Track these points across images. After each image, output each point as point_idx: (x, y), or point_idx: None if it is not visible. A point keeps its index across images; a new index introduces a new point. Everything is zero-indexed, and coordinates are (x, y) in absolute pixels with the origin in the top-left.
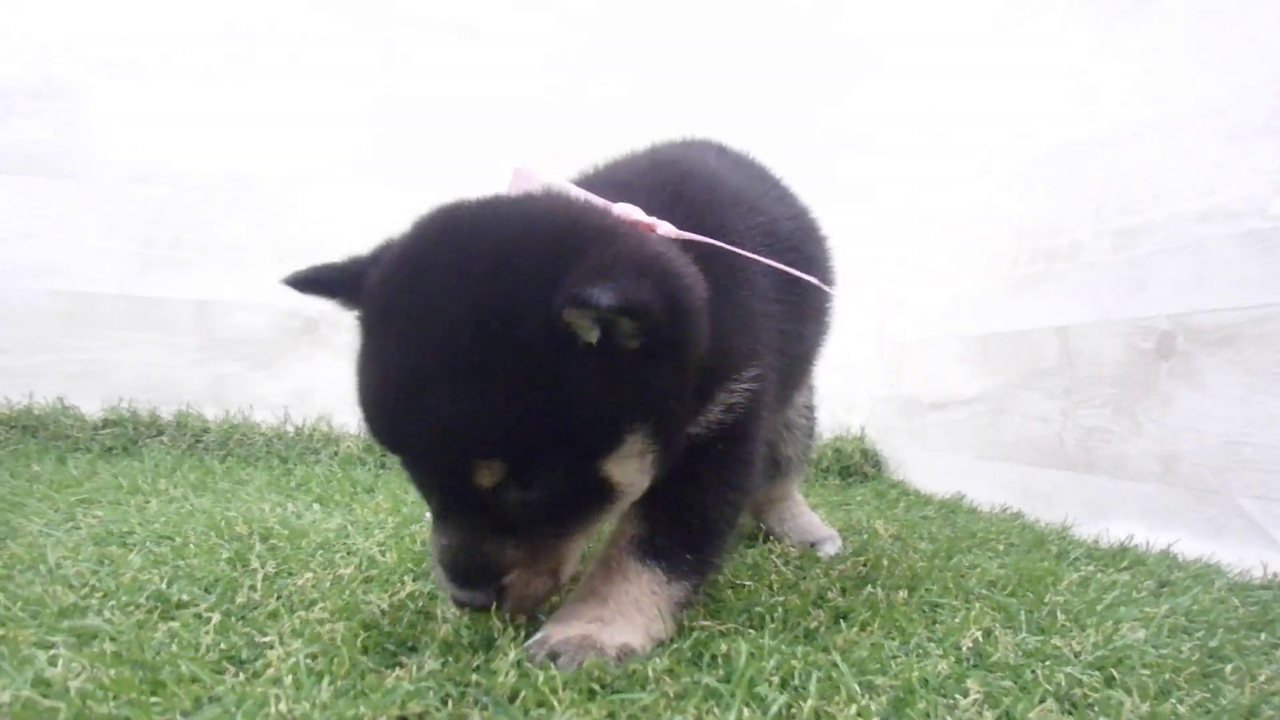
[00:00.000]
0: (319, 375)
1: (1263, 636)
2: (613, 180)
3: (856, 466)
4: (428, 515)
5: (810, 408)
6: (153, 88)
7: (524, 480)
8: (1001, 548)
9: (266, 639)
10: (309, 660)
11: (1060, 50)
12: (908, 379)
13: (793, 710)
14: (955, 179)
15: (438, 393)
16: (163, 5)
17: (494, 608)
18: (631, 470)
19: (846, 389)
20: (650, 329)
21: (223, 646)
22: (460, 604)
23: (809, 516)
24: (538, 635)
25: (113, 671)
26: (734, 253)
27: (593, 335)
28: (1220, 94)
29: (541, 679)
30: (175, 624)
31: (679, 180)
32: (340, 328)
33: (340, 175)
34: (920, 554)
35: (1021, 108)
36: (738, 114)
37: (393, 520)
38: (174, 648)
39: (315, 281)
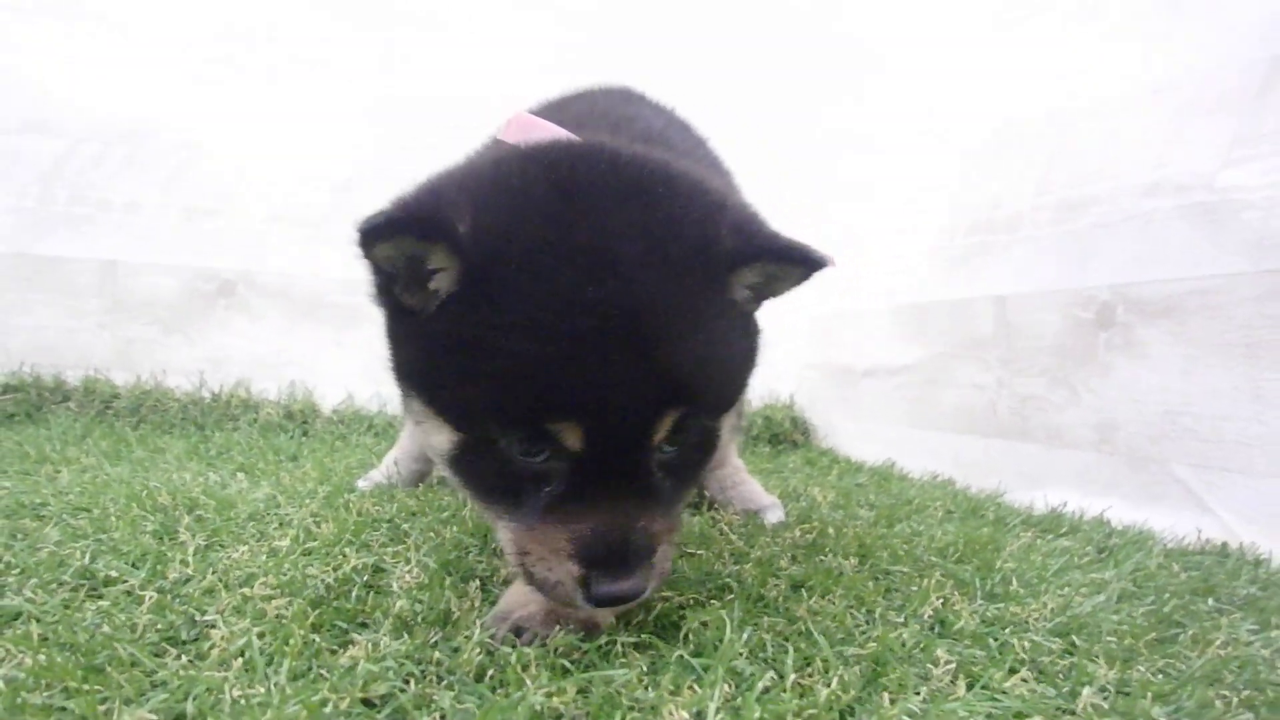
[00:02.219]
0: (236, 340)
1: (1209, 602)
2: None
3: (786, 434)
4: (361, 484)
5: None
6: (43, 28)
7: (679, 435)
8: (940, 515)
9: (207, 618)
10: (258, 640)
11: (1033, 21)
12: (840, 348)
13: (770, 684)
14: (894, 151)
15: (649, 334)
16: None
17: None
18: (728, 427)
19: (776, 357)
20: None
21: (160, 626)
22: (613, 600)
23: (751, 484)
24: (496, 610)
25: (42, 656)
26: None
27: (744, 293)
28: (1173, 72)
29: (513, 656)
30: (105, 603)
31: (659, 143)
32: (260, 290)
33: (253, 133)
34: (862, 521)
35: (973, 85)
36: (738, 114)
37: (323, 489)
38: (107, 629)
39: (402, 225)
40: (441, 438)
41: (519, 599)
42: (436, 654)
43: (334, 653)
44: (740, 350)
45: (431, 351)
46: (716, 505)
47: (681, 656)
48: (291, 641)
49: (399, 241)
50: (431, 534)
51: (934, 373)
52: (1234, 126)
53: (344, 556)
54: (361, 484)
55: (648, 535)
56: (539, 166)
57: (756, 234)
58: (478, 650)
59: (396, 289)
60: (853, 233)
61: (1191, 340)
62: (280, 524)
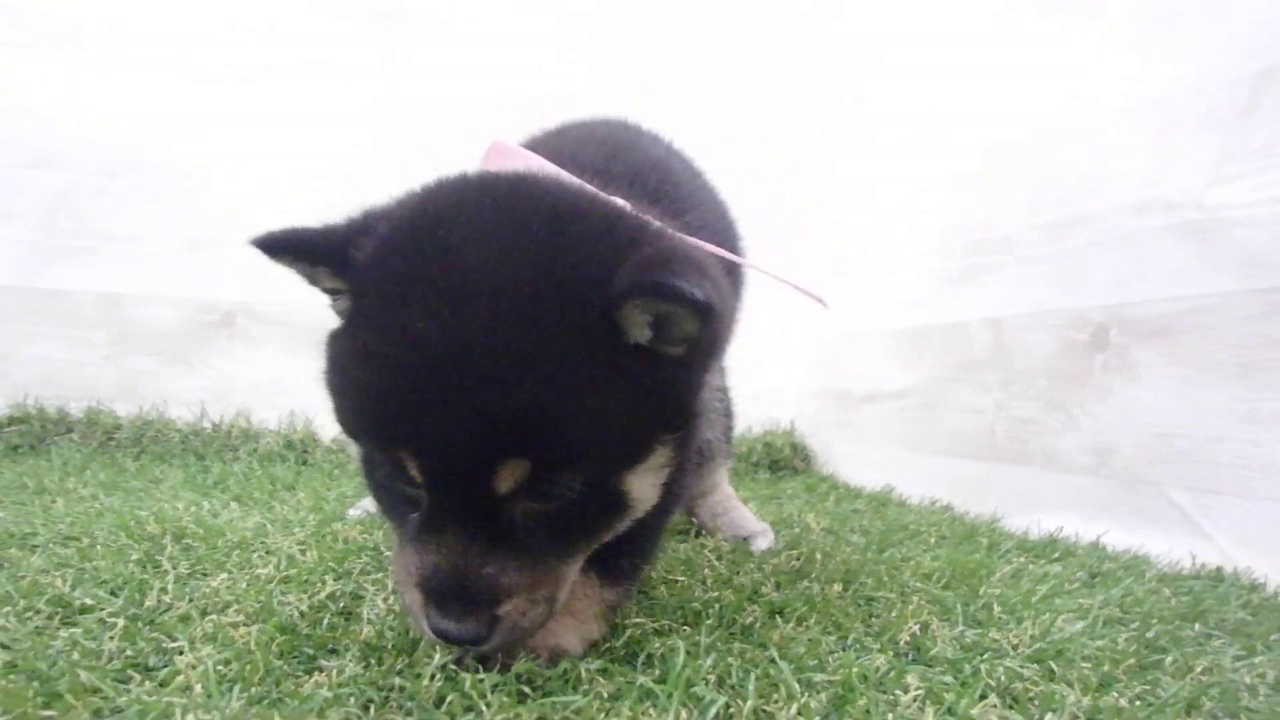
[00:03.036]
0: (237, 370)
1: (1196, 627)
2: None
3: (786, 460)
4: (352, 512)
5: (724, 389)
6: (45, 61)
7: (543, 486)
8: (933, 540)
9: (175, 644)
10: (220, 667)
11: (1033, 20)
12: (838, 372)
13: (731, 710)
14: (889, 178)
15: (481, 375)
16: None
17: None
18: (648, 484)
19: (776, 383)
20: (699, 331)
21: (129, 653)
22: (445, 637)
23: (741, 511)
24: None
25: (4, 681)
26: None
27: (645, 334)
28: (1159, 89)
29: (469, 682)
30: (76, 630)
31: (657, 171)
32: (260, 320)
33: (260, 166)
34: (853, 547)
35: (966, 99)
36: (738, 114)
37: (314, 518)
38: (74, 655)
39: (292, 245)
40: (353, 450)
41: None
42: (398, 680)
43: (298, 679)
44: (640, 398)
45: (328, 364)
46: (705, 532)
47: (644, 683)
48: (250, 668)
49: (284, 259)
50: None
51: (932, 396)
52: (1222, 143)
53: (322, 584)
54: (352, 513)
55: (491, 584)
56: (436, 198)
57: (646, 271)
58: (438, 677)
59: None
60: (849, 253)
61: (1185, 361)
62: (266, 552)
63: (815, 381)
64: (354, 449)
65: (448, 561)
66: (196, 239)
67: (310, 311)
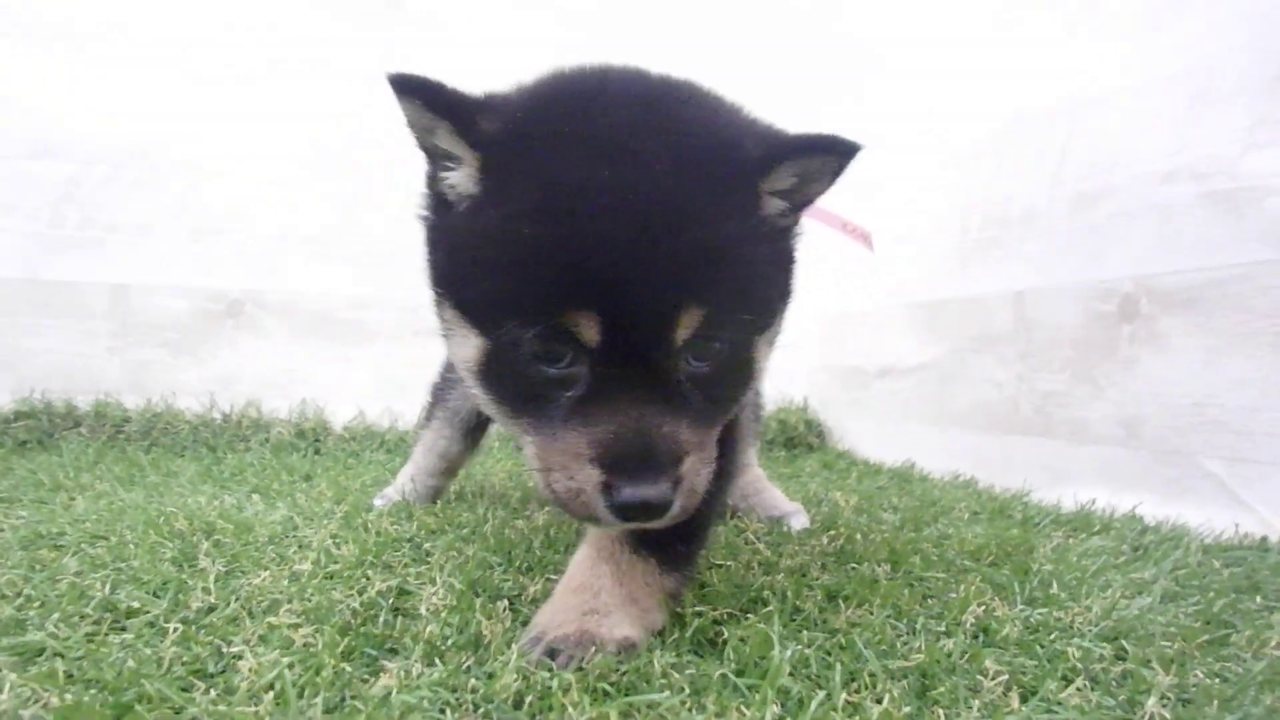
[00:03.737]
0: (245, 359)
1: (1257, 599)
2: None
3: (801, 438)
4: (377, 503)
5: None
6: (50, 54)
7: (702, 345)
8: (966, 516)
9: (234, 649)
10: (289, 672)
11: (1033, 19)
12: (852, 349)
13: (819, 703)
14: (902, 148)
15: (666, 224)
16: None
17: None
18: (763, 358)
19: (787, 360)
20: (831, 184)
21: (185, 659)
22: (634, 507)
23: (772, 491)
24: (529, 632)
25: (69, 694)
26: None
27: (775, 205)
28: (1188, 58)
29: (553, 682)
30: (129, 635)
31: None
32: (268, 308)
33: (262, 163)
34: (888, 525)
35: (989, 77)
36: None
37: (341, 509)
38: (131, 663)
39: (426, 91)
40: (468, 347)
41: (552, 620)
42: (471, 681)
43: (365, 682)
44: (771, 267)
45: (456, 251)
46: (739, 514)
47: (724, 675)
48: (323, 672)
49: (409, 102)
50: (454, 552)
51: (950, 370)
52: (1253, 110)
53: (368, 579)
54: (378, 502)
55: (673, 441)
56: (570, 78)
57: (781, 136)
58: (514, 676)
59: (434, 177)
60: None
61: (1215, 331)
62: (300, 546)
63: (826, 358)
64: (470, 345)
65: (631, 424)
66: (202, 229)
67: (318, 298)
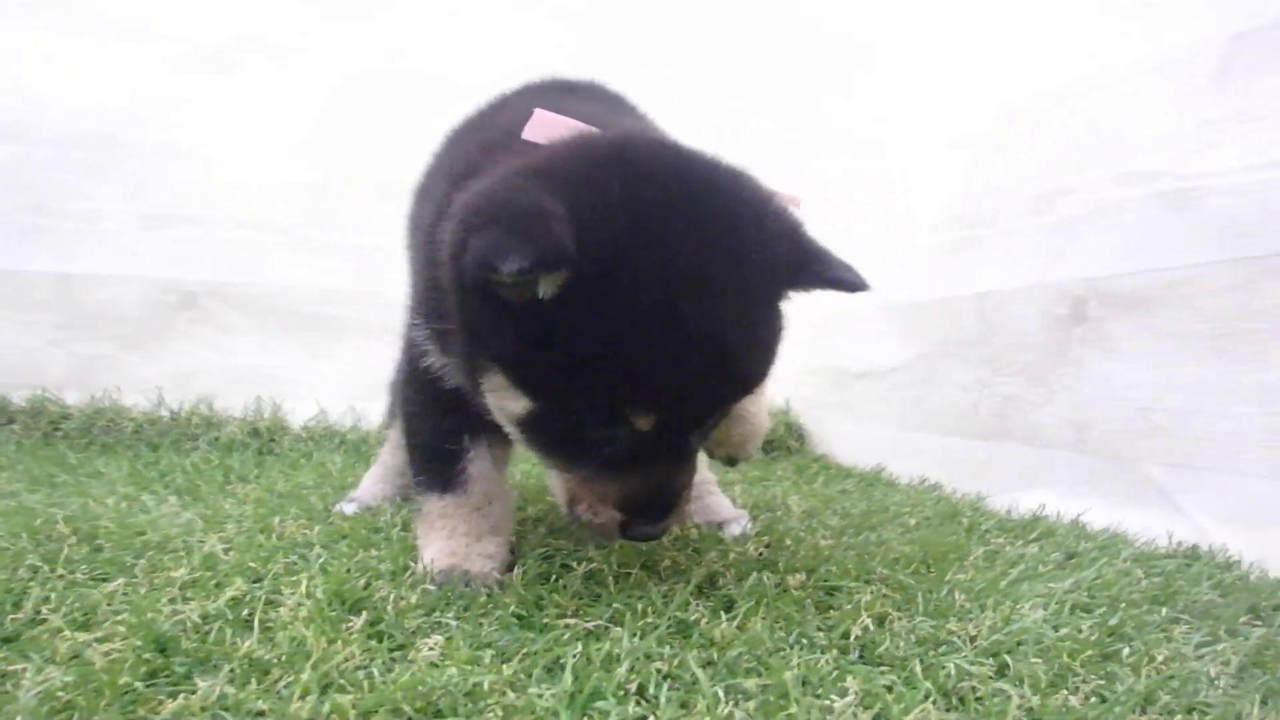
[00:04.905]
0: (201, 354)
1: (1164, 611)
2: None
3: (780, 441)
4: (347, 508)
5: None
6: None
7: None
8: (913, 522)
9: (19, 667)
10: (61, 693)
11: (998, 24)
12: (833, 350)
13: None
14: (878, 150)
15: (729, 354)
16: None
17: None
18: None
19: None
20: None
21: None
22: (651, 538)
23: (717, 497)
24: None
25: None
26: None
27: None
28: (1135, 58)
29: (350, 707)
30: None
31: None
32: (227, 302)
33: (227, 147)
34: (829, 531)
35: (950, 78)
36: (736, 113)
37: (258, 511)
38: None
39: (542, 262)
40: (518, 405)
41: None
42: (263, 704)
43: (159, 703)
44: (777, 346)
45: (524, 336)
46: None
47: (545, 703)
48: (107, 693)
49: (519, 278)
50: (344, 559)
51: (924, 373)
52: (1199, 109)
53: (228, 589)
54: (347, 508)
55: (680, 489)
56: (630, 178)
57: (810, 256)
58: (312, 697)
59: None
60: (841, 230)
61: (1164, 333)
62: (186, 552)
63: (812, 359)
64: (520, 404)
65: (653, 482)
66: (157, 217)
67: (282, 292)
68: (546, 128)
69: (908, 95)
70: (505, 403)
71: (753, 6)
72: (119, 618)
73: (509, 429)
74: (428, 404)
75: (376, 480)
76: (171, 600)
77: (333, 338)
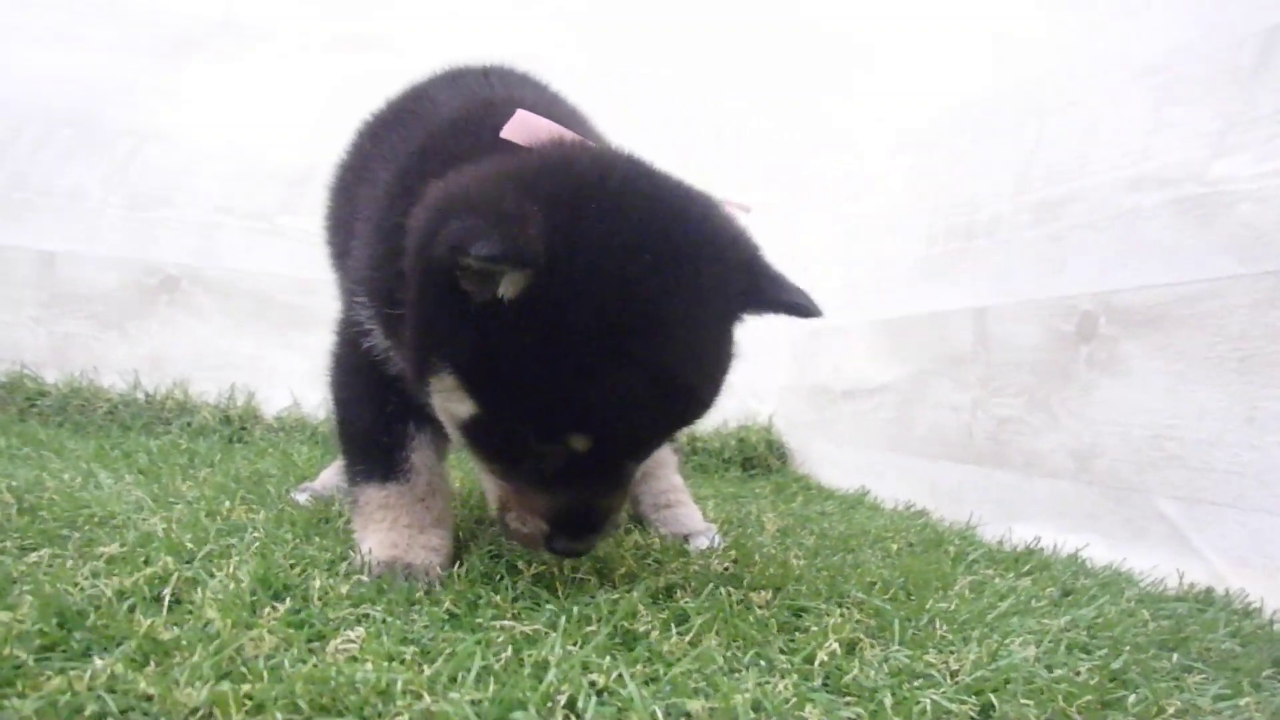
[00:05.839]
0: (178, 338)
1: (1174, 657)
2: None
3: (760, 458)
4: (299, 497)
5: None
6: None
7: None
8: (895, 547)
9: None
10: None
11: (1002, 16)
12: (817, 367)
13: None
14: (867, 154)
15: (690, 402)
16: None
17: None
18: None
19: (754, 376)
20: None
21: None
22: (573, 554)
23: (687, 506)
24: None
25: None
26: None
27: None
28: (1155, 52)
29: (239, 693)
30: None
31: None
32: (206, 286)
33: (207, 132)
34: (803, 550)
35: (949, 81)
36: (736, 113)
37: (208, 495)
38: None
39: (510, 254)
40: (463, 409)
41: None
42: (151, 688)
43: (40, 679)
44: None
45: (479, 339)
46: (644, 524)
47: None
48: None
49: (487, 264)
50: (279, 545)
51: (910, 393)
52: (1225, 110)
53: (153, 566)
54: (300, 497)
55: (610, 509)
56: (607, 208)
57: (764, 282)
58: (204, 685)
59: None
60: (828, 244)
61: (1179, 354)
62: (121, 528)
63: (795, 377)
64: (464, 406)
65: (581, 501)
66: (140, 198)
67: (260, 279)
68: (526, 130)
69: (908, 95)
70: (451, 405)
71: (753, 6)
72: (22, 589)
73: (450, 430)
74: (367, 388)
75: (336, 471)
76: (94, 574)
77: (309, 328)
